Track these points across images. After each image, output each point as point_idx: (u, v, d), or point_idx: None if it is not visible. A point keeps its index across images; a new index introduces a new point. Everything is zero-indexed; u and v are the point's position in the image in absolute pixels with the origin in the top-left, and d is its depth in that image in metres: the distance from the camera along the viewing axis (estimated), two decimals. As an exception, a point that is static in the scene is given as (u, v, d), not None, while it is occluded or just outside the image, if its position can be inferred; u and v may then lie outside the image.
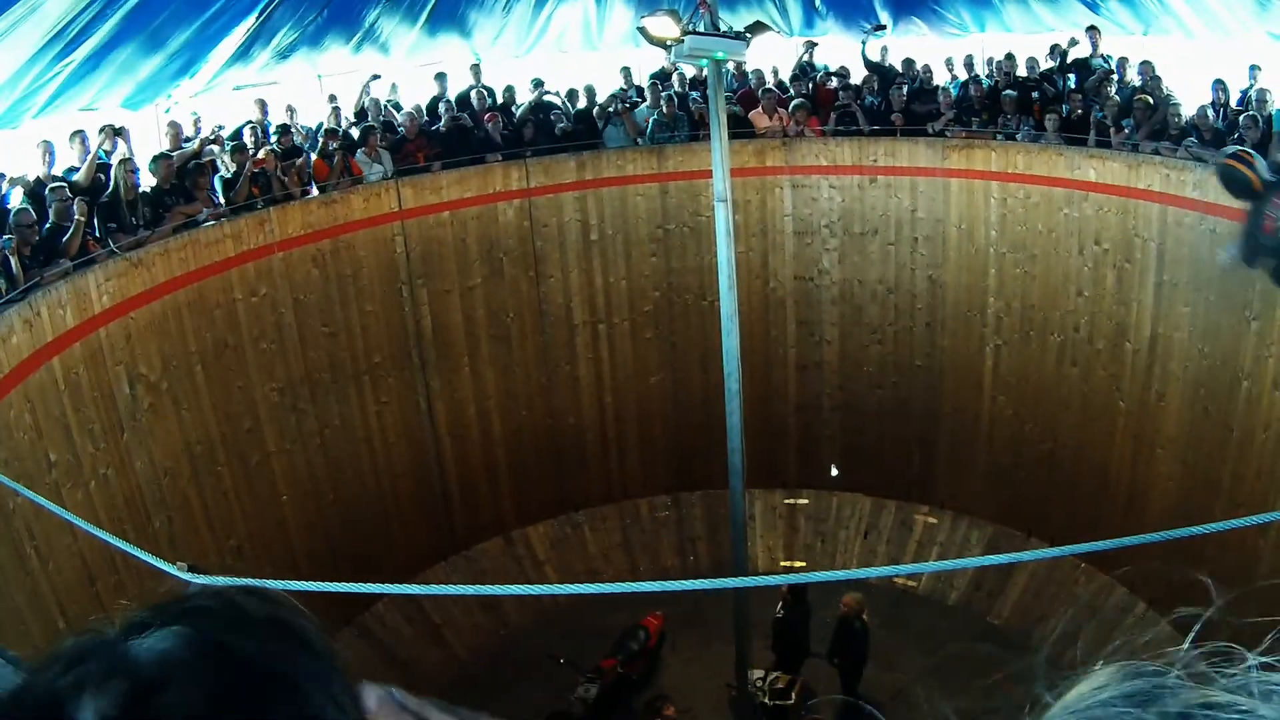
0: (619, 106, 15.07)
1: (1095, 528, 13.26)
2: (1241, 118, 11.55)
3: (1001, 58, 14.76)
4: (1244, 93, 12.35)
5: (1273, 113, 11.45)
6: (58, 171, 11.03)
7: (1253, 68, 12.33)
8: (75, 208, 10.28)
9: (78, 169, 11.15)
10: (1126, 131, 12.80)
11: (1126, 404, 13.37)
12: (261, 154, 12.64)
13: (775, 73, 16.05)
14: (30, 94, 10.37)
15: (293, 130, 13.63)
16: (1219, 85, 12.35)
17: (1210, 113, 12.03)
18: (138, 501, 10.81)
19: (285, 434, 13.09)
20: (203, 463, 11.92)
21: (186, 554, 11.27)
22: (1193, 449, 12.63)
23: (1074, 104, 13.48)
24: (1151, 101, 12.64)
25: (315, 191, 13.24)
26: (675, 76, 15.94)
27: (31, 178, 10.76)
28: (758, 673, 12.82)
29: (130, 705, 0.89)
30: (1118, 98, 13.08)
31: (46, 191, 10.34)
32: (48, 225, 10.22)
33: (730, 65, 15.04)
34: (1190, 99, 12.59)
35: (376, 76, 14.64)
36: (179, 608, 1.00)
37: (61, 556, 9.51)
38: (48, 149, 10.96)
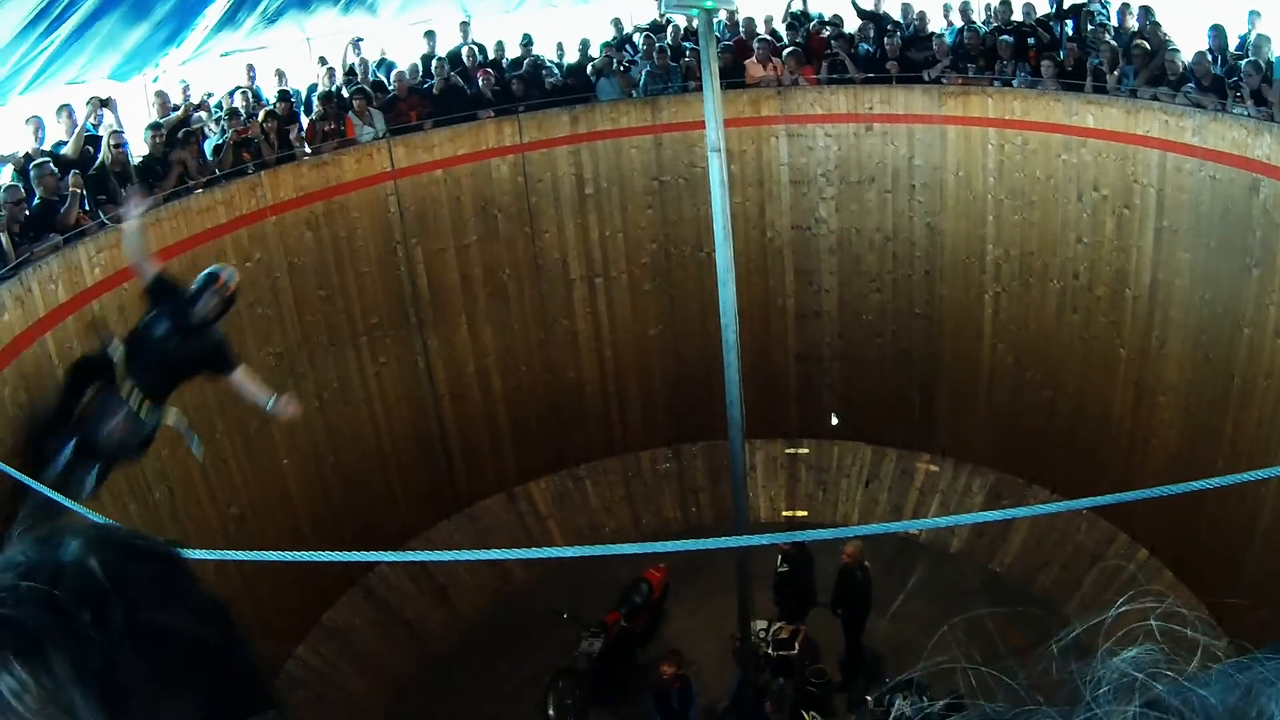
0: (615, 64, 14.91)
1: (1097, 475, 13.29)
2: (1241, 64, 11.41)
3: (997, 3, 14.57)
4: (1243, 39, 12.20)
5: (1272, 59, 11.30)
6: (47, 147, 10.94)
7: (1252, 13, 12.16)
8: (70, 179, 10.21)
9: (66, 143, 11.07)
10: (1117, 75, 12.64)
11: (1127, 351, 13.32)
12: (250, 124, 12.54)
13: (768, 22, 15.88)
14: (16, 71, 10.25)
15: (291, 97, 13.53)
16: (1216, 31, 12.19)
17: (1208, 59, 11.87)
18: (138, 474, 10.76)
19: (284, 399, 13.06)
20: (201, 431, 11.81)
21: (189, 524, 11.33)
22: (1194, 396, 12.57)
23: (1070, 50, 13.32)
24: (1149, 47, 12.48)
25: (308, 150, 13.17)
26: (669, 29, 15.76)
27: (21, 154, 10.67)
28: (761, 623, 12.89)
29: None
30: (1114, 43, 12.92)
31: (30, 168, 10.25)
32: (36, 201, 10.14)
33: (722, 15, 14.88)
34: (1189, 45, 12.43)
35: (360, 39, 14.51)
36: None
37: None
38: (37, 125, 10.87)
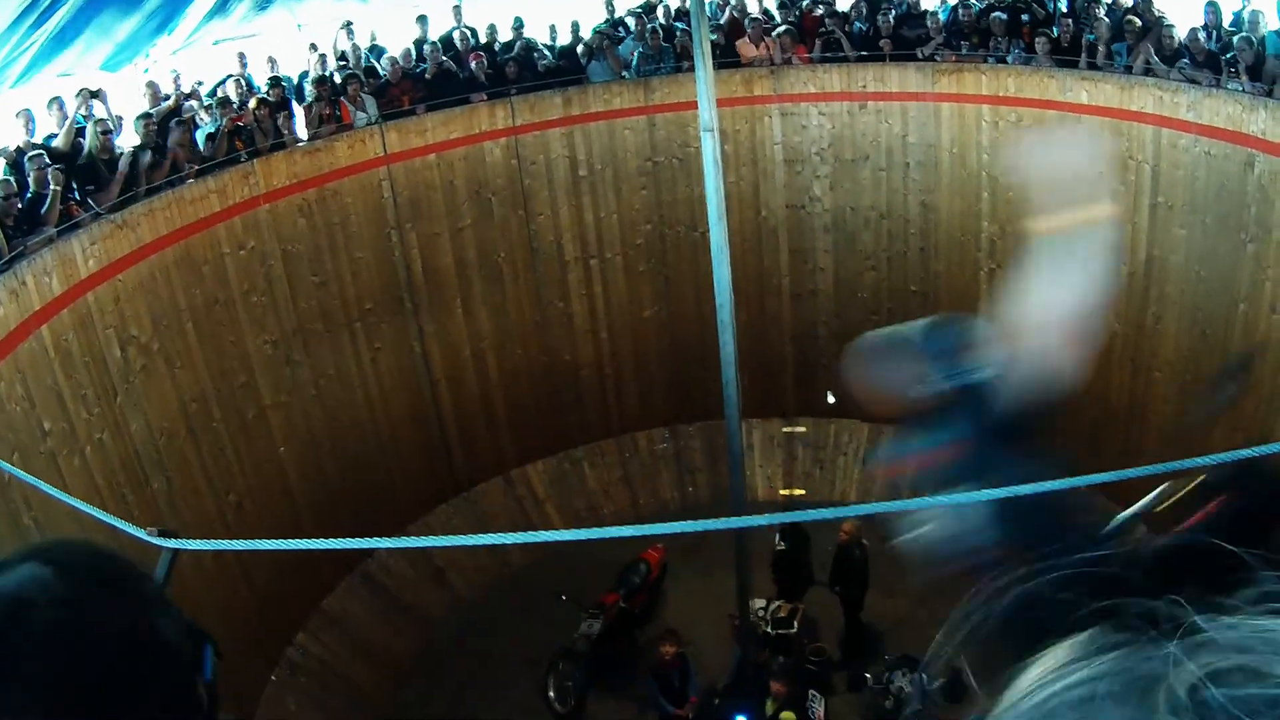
0: (604, 42, 14.85)
1: (1095, 451, 13.29)
2: (1235, 39, 11.39)
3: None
4: (1236, 15, 12.17)
5: (1265, 34, 11.28)
6: (38, 139, 10.90)
7: (1245, -11, 12.15)
8: (51, 176, 10.16)
9: (57, 135, 11.03)
10: (1103, 51, 12.60)
11: (1123, 327, 13.29)
12: (243, 112, 12.50)
13: (760, 1, 15.82)
14: (7, 64, 10.20)
15: (283, 83, 13.47)
16: (1211, 7, 12.16)
17: (1202, 35, 11.83)
18: (134, 464, 10.79)
19: (280, 386, 13.04)
20: (198, 420, 11.89)
21: (187, 513, 11.34)
22: (1190, 372, 12.58)
23: (1064, 26, 13.27)
24: (1142, 23, 12.44)
25: (301, 130, 13.14)
26: (660, 8, 15.71)
27: (12, 148, 10.63)
28: (759, 602, 12.93)
29: None
30: (1108, 19, 12.87)
31: (25, 160, 10.22)
32: (29, 194, 10.10)
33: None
34: (1183, 20, 12.39)
35: (349, 23, 14.45)
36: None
37: (60, 525, 9.46)
38: (27, 118, 10.83)
